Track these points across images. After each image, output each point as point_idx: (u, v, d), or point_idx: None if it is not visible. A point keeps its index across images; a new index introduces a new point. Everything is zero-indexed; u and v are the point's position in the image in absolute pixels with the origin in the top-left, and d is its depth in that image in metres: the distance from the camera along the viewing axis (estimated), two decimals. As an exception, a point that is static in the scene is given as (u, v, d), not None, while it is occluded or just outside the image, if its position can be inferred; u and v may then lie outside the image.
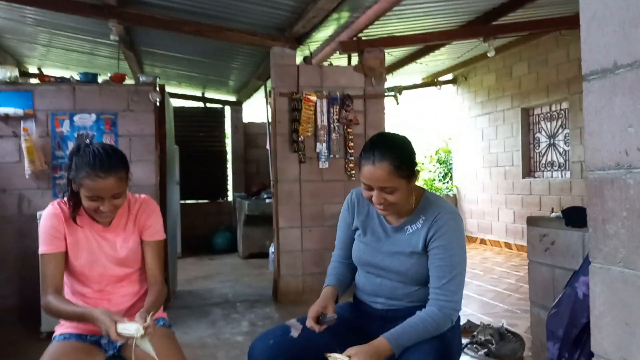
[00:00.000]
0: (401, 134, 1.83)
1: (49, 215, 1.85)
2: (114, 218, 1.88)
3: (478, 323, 3.78)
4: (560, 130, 7.14)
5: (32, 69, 7.63)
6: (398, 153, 1.70)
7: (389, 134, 1.85)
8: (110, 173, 1.74)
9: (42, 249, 1.82)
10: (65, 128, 4.36)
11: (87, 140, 1.87)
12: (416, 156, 1.79)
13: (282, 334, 1.79)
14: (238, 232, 8.01)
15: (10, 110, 4.24)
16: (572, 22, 5.29)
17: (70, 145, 4.37)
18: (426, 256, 1.78)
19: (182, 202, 8.36)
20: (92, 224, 1.89)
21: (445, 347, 1.69)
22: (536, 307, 2.70)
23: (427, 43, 5.93)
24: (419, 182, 10.64)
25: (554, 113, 7.24)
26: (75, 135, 4.37)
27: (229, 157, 9.46)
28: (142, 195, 2.02)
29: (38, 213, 3.93)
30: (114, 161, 1.77)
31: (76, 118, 4.38)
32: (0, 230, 4.32)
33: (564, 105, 7.01)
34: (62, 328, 1.88)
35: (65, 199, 1.88)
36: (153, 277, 1.94)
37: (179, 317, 4.38)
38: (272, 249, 6.01)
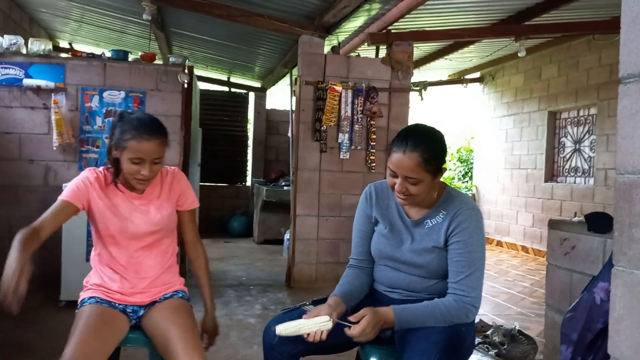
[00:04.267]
0: (437, 129, 1.80)
1: (84, 176, 1.91)
2: (148, 186, 1.95)
3: (490, 323, 3.78)
4: (586, 136, 7.04)
5: (64, 44, 7.75)
6: (430, 147, 1.69)
7: (425, 126, 1.81)
8: (154, 136, 1.83)
9: (61, 195, 1.87)
10: (94, 103, 4.44)
11: (129, 110, 1.93)
12: (447, 154, 1.77)
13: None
14: (254, 217, 8.08)
15: (42, 83, 4.33)
16: (606, 27, 5.20)
17: (99, 120, 4.45)
18: (446, 251, 1.78)
19: (202, 183, 8.44)
20: (126, 192, 1.95)
21: (456, 342, 1.69)
22: (551, 310, 2.69)
23: (457, 39, 5.88)
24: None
25: (582, 118, 7.13)
26: (104, 111, 4.44)
27: (250, 142, 9.52)
28: (172, 167, 2.11)
29: (63, 185, 4.01)
30: (158, 126, 1.87)
31: (105, 94, 4.45)
32: (25, 200, 4.43)
33: (592, 110, 6.90)
34: (90, 292, 1.94)
35: (103, 167, 1.96)
36: (193, 245, 2.11)
37: (193, 295, 4.39)
38: (287, 236, 6.05)
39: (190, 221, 2.10)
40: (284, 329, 1.66)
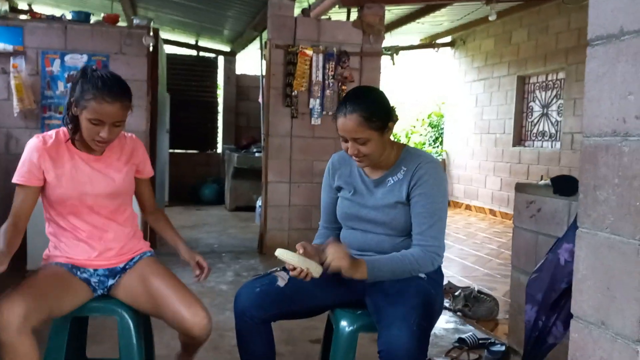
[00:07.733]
0: (377, 88, 1.89)
1: (31, 148, 1.81)
2: (106, 148, 1.90)
3: (458, 285, 3.87)
4: (554, 101, 7.14)
5: (22, 5, 7.38)
6: (368, 105, 1.75)
7: (362, 87, 1.91)
8: (116, 99, 1.74)
9: (15, 178, 1.81)
10: (55, 67, 4.27)
11: (94, 66, 1.84)
12: (391, 109, 1.81)
13: (268, 283, 1.82)
14: (226, 184, 8.02)
15: (0, 45, 4.13)
16: (576, -10, 5.22)
17: (61, 85, 4.29)
18: (409, 205, 1.82)
19: (171, 151, 8.31)
20: (84, 154, 1.88)
21: (430, 305, 1.74)
22: (517, 271, 2.76)
23: (428, 2, 5.83)
24: (410, 143, 10.54)
25: (550, 82, 7.22)
26: (66, 75, 4.28)
27: (220, 108, 9.36)
28: (129, 133, 2.05)
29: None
30: (122, 88, 1.79)
31: (67, 58, 4.28)
32: (-14, 169, 4.28)
33: (560, 75, 6.98)
34: (57, 258, 1.90)
35: (56, 130, 1.89)
36: (154, 209, 2.15)
37: (165, 264, 4.37)
38: (259, 203, 6.03)
39: (149, 189, 2.12)
40: (285, 255, 1.65)
